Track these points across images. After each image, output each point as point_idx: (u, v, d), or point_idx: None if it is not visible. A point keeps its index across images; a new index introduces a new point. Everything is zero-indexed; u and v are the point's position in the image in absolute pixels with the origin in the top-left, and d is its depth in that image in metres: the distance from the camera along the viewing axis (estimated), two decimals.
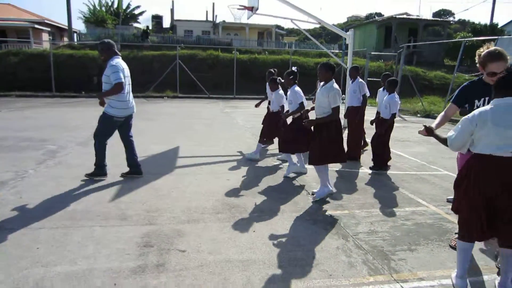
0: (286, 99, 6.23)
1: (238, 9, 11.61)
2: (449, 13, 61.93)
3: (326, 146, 4.74)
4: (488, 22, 31.87)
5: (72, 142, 7.94)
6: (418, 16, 37.60)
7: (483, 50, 3.20)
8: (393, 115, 6.24)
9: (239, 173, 6.06)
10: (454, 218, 4.45)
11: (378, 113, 6.68)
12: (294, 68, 6.16)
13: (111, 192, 4.96)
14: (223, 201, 4.75)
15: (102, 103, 5.27)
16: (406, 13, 37.34)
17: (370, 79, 18.75)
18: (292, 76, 5.88)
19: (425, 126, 3.14)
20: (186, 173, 5.97)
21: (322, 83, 4.85)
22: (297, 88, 5.81)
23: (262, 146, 7.26)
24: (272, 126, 6.87)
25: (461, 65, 22.94)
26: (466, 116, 2.78)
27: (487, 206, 2.71)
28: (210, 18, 44.04)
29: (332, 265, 3.28)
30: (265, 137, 7.07)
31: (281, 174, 6.11)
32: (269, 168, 6.55)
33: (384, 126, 6.33)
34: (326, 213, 4.49)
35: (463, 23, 52.50)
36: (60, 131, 9.09)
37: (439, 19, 42.40)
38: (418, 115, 15.61)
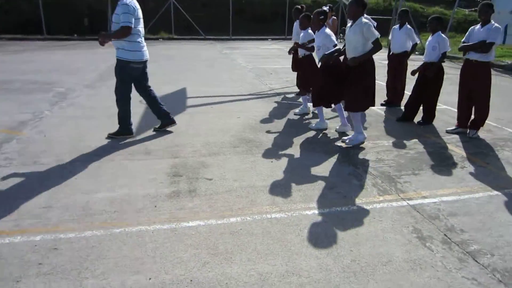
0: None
1: None
2: None
3: (365, 91, 4.54)
4: None
5: (79, 84, 8.04)
6: None
7: None
8: (444, 55, 5.48)
9: (248, 112, 6.31)
10: (453, 147, 4.85)
11: (391, 53, 6.67)
12: (325, 8, 5.46)
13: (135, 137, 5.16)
14: (238, 137, 5.04)
15: (102, 43, 4.56)
16: None
17: (368, 16, 18.50)
18: (322, 17, 5.19)
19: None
20: (198, 112, 6.21)
21: (350, 22, 4.57)
22: (328, 30, 5.20)
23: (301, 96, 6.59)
24: (308, 73, 5.93)
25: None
26: None
27: None
28: None
29: (345, 187, 3.66)
30: (300, 87, 6.48)
31: (290, 112, 6.36)
32: (277, 106, 6.80)
33: (433, 69, 5.48)
34: (337, 146, 4.82)
35: None
36: (64, 74, 9.12)
37: None
38: (417, 53, 15.61)
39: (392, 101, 6.83)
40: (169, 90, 7.66)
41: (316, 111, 5.70)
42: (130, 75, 4.77)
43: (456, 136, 5.26)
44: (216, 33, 20.79)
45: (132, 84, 4.89)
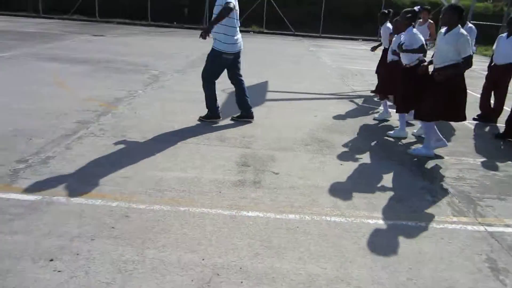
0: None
1: None
2: None
3: (442, 100, 4.23)
4: None
5: (170, 69, 8.62)
6: None
7: None
8: None
9: (326, 111, 6.23)
10: None
11: (492, 63, 6.08)
12: (416, 8, 5.20)
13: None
14: (311, 135, 5.02)
15: (204, 36, 4.66)
16: None
17: (475, 22, 16.94)
18: (410, 15, 4.96)
19: None
20: (275, 106, 6.30)
21: (444, 29, 4.31)
22: (415, 30, 4.98)
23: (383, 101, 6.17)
24: (391, 79, 5.54)
25: None
26: None
27: None
28: None
29: (416, 202, 3.45)
30: (380, 92, 6.15)
31: (369, 117, 6.14)
32: (357, 109, 6.60)
33: None
34: (414, 156, 4.55)
35: None
36: (159, 58, 9.84)
37: None
38: None
39: (486, 115, 6.21)
40: (251, 82, 7.83)
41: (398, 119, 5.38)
42: (220, 64, 5.04)
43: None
44: (307, 30, 20.70)
45: (222, 72, 5.18)
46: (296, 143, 4.69)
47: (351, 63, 11.54)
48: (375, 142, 4.97)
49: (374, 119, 6.00)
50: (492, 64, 6.13)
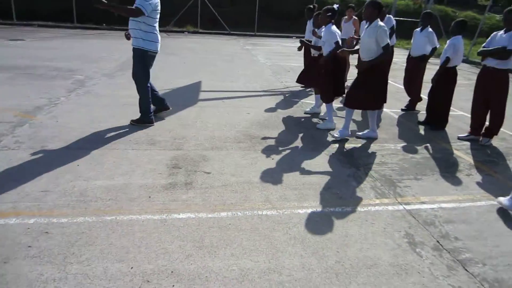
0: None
1: None
2: None
3: (373, 91, 4.65)
4: None
5: (98, 73, 8.22)
6: None
7: None
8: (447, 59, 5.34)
9: (258, 108, 6.30)
10: (462, 153, 4.70)
11: (410, 56, 6.53)
12: (335, 6, 5.53)
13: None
14: (244, 132, 5.05)
15: (128, 37, 4.95)
16: None
17: (397, 18, 18.08)
18: (330, 14, 5.33)
19: None
20: (208, 106, 6.25)
21: (366, 24, 4.66)
22: (334, 28, 5.33)
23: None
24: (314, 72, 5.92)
25: (495, 4, 21.60)
26: None
27: None
28: None
29: (342, 189, 3.61)
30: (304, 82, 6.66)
31: (300, 111, 6.32)
32: (289, 104, 6.76)
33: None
34: (341, 146, 4.76)
35: None
36: (86, 62, 9.35)
37: None
38: None
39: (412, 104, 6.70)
40: (184, 83, 7.74)
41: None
42: (149, 62, 4.98)
43: (467, 143, 5.09)
44: (242, 29, 20.81)
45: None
46: (228, 141, 4.69)
47: (285, 60, 11.79)
48: (305, 135, 5.12)
49: (305, 112, 6.19)
50: (409, 56, 6.57)
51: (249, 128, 5.22)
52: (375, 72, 4.60)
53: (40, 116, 5.20)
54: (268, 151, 4.45)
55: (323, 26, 5.60)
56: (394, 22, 7.08)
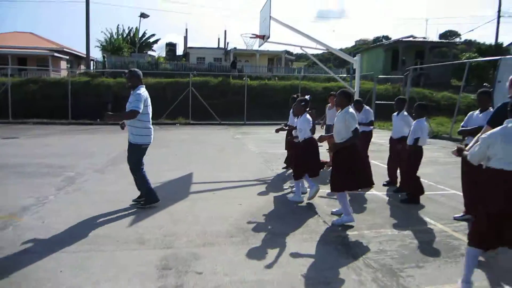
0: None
1: (251, 37, 12.05)
2: (455, 34, 62.62)
3: (346, 172, 4.84)
4: (493, 42, 32.17)
5: (89, 169, 8.24)
6: (424, 38, 38.10)
7: None
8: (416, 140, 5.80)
9: (251, 198, 6.24)
10: (461, 235, 4.57)
11: (391, 138, 6.90)
12: (307, 97, 6.29)
13: (129, 217, 5.16)
14: (236, 225, 4.92)
15: (122, 126, 5.72)
16: (412, 36, 37.85)
17: (378, 102, 19.10)
18: (303, 103, 6.03)
19: (457, 147, 3.64)
20: (200, 198, 6.18)
21: (338, 110, 5.11)
22: (308, 116, 5.98)
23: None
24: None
25: (468, 85, 23.10)
26: (483, 135, 3.16)
27: (500, 216, 2.98)
28: (222, 45, 45.24)
29: (343, 283, 3.41)
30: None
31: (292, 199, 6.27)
32: (281, 192, 6.72)
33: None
34: (337, 235, 4.62)
35: (469, 44, 52.99)
36: (78, 158, 9.41)
37: (444, 41, 42.92)
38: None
39: (392, 182, 6.95)
40: (175, 176, 7.75)
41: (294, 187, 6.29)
42: (142, 154, 5.56)
43: (464, 224, 4.98)
44: (232, 118, 21.62)
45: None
46: (220, 236, 4.54)
47: (274, 147, 12.00)
48: (300, 224, 5.00)
49: (289, 199, 6.16)
50: (391, 138, 6.91)
51: (241, 220, 5.10)
52: (349, 152, 4.88)
53: (26, 217, 5.05)
54: (262, 245, 4.28)
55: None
56: (371, 111, 7.68)
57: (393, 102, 6.94)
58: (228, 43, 43.57)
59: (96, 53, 42.77)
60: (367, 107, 7.78)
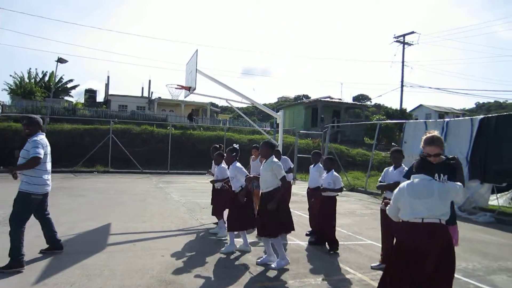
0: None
1: (176, 88, 12.06)
2: (366, 97, 69.70)
3: (275, 217, 5.10)
4: (398, 107, 36.35)
5: None
6: (340, 99, 41.73)
7: (427, 135, 3.88)
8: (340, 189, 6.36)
9: (174, 249, 5.98)
10: (377, 283, 4.79)
11: (308, 188, 7.22)
12: (235, 145, 6.51)
13: (35, 272, 4.61)
14: (158, 278, 4.64)
15: (15, 176, 4.95)
16: (329, 96, 41.33)
17: (299, 155, 20.11)
18: (234, 153, 6.22)
19: (385, 201, 3.80)
20: (118, 251, 5.76)
21: (264, 160, 5.38)
22: (238, 164, 6.14)
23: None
24: (221, 202, 6.89)
25: (379, 143, 25.47)
26: (395, 190, 3.44)
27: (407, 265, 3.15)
28: (145, 94, 44.70)
29: None
30: (217, 214, 7.13)
31: (218, 247, 6.14)
32: (206, 242, 6.55)
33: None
34: (261, 285, 4.57)
35: (378, 107, 59.25)
36: None
37: (358, 103, 47.50)
38: (344, 189, 16.67)
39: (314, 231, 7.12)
40: (91, 227, 7.18)
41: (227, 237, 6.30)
42: (30, 206, 4.94)
43: (380, 272, 5.25)
44: (155, 167, 20.99)
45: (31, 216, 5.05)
46: None
47: (199, 197, 11.84)
48: (225, 274, 4.87)
49: (220, 252, 6.02)
50: (308, 188, 7.27)
51: (164, 273, 4.83)
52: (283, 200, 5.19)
53: None
54: None
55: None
56: (291, 164, 8.13)
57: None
58: (152, 92, 43.30)
59: (3, 97, 39.54)
60: (285, 157, 8.25)
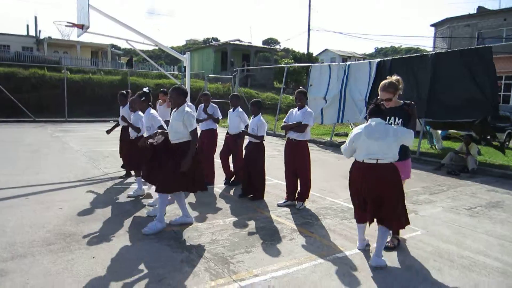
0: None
1: (66, 26, 10.61)
2: (275, 41, 70.29)
3: (176, 174, 4.35)
4: (305, 51, 37.38)
5: None
6: (249, 43, 41.41)
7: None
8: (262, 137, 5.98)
9: (74, 200, 5.58)
10: (283, 219, 5.10)
11: (228, 134, 6.90)
12: (146, 89, 5.52)
13: None
14: (56, 231, 4.31)
15: None
16: (239, 40, 40.68)
17: (213, 100, 19.83)
18: (144, 98, 5.33)
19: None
20: (8, 206, 5.19)
21: (174, 109, 4.58)
22: (153, 111, 5.35)
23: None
24: (135, 153, 5.74)
25: (287, 87, 26.23)
26: (351, 132, 3.81)
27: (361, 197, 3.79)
28: (32, 33, 39.18)
29: (176, 277, 3.37)
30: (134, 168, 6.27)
31: (122, 196, 5.90)
32: (111, 191, 6.23)
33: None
34: (170, 230, 4.54)
35: (287, 51, 60.34)
36: None
37: (267, 47, 47.68)
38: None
39: (230, 177, 7.05)
40: None
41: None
42: None
43: (287, 209, 5.59)
44: (50, 115, 19.02)
45: None
46: (34, 246, 3.89)
47: (102, 145, 11.11)
48: (131, 223, 4.73)
49: (128, 196, 5.82)
50: (227, 134, 7.03)
51: (62, 226, 4.50)
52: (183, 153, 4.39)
53: None
54: (87, 249, 3.87)
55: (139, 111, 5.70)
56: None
57: (225, 100, 7.01)
58: (40, 31, 38.05)
59: None
60: (213, 104, 7.43)
